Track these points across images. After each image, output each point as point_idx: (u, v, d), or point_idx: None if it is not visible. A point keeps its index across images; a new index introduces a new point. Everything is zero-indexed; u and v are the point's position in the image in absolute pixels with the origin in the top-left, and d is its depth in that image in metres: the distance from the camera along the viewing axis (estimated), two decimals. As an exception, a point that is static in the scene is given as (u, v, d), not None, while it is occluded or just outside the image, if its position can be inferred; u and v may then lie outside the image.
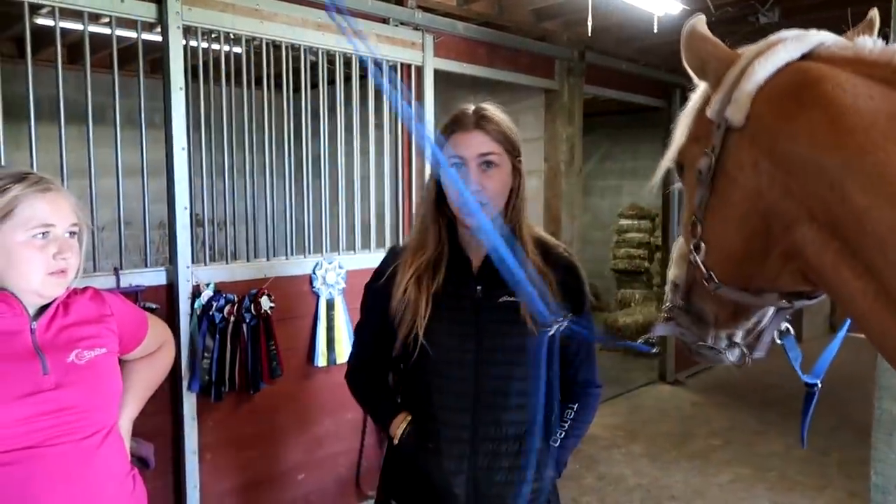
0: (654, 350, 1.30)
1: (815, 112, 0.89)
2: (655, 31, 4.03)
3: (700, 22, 1.09)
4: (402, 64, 3.79)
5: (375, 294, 1.67)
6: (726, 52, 1.06)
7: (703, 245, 1.09)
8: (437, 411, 1.59)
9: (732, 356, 1.22)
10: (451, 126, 1.59)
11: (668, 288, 1.28)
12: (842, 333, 1.42)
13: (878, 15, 1.09)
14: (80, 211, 1.50)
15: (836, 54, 0.94)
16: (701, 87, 1.13)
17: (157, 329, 1.77)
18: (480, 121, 1.56)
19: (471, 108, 1.60)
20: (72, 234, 1.46)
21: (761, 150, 0.96)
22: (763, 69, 0.97)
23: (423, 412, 1.63)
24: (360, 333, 1.79)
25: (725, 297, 1.11)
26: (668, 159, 1.20)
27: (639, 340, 1.31)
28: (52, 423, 1.38)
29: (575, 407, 1.68)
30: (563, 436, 1.66)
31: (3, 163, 2.50)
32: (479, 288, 1.58)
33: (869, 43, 0.92)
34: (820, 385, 1.29)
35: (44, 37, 4.22)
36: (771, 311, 1.15)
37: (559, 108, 5.05)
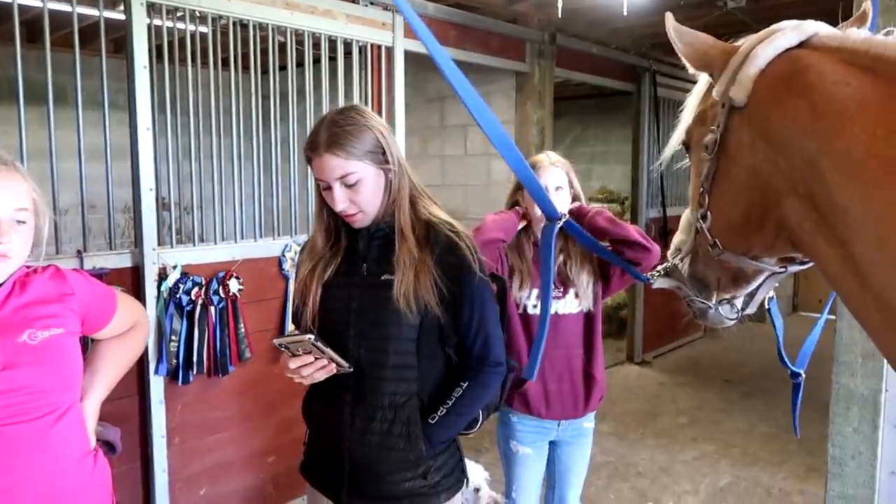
0: (650, 283, 1.40)
1: (799, 99, 1.00)
2: (625, 13, 4.05)
3: (671, 19, 1.18)
4: (371, 45, 3.76)
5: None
6: (725, 44, 1.17)
7: (709, 214, 1.20)
8: (328, 379, 1.69)
9: (727, 313, 1.35)
10: (307, 149, 1.66)
11: (670, 251, 1.40)
12: (821, 322, 1.51)
13: (871, 6, 1.20)
14: (37, 195, 1.46)
15: (826, 44, 1.03)
16: (703, 77, 1.24)
17: (128, 307, 1.72)
18: (330, 144, 1.60)
19: (323, 125, 1.64)
20: (18, 220, 1.40)
21: (757, 131, 1.07)
22: (765, 53, 1.07)
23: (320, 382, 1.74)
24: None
25: (727, 262, 1.23)
26: (676, 139, 1.31)
27: (647, 273, 1.44)
28: None
29: (465, 385, 1.68)
30: (443, 413, 1.66)
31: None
32: (364, 266, 1.70)
33: (855, 34, 1.02)
34: (804, 375, 1.41)
35: (0, 14, 4.10)
36: (765, 275, 1.27)
37: (530, 91, 5.06)
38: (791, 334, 1.56)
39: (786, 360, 1.48)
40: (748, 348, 6.85)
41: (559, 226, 1.46)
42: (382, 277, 1.64)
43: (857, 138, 0.92)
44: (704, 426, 4.89)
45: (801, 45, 1.06)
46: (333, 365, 1.63)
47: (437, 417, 1.67)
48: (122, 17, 2.87)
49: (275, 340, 1.61)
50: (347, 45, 3.67)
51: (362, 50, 3.76)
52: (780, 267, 1.21)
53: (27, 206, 1.43)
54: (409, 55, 3.94)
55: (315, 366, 1.61)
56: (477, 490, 2.93)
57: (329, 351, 1.60)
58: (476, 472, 3.05)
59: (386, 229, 1.68)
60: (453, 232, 1.67)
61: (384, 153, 1.64)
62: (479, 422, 1.78)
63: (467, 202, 5.69)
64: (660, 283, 1.37)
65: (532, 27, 4.89)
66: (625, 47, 5.80)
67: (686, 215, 1.37)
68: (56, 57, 2.71)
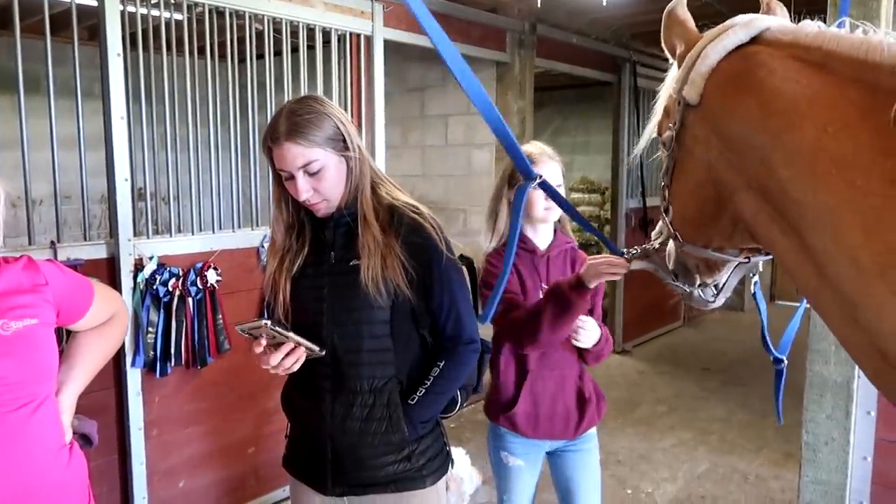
0: (625, 257, 1.44)
1: (750, 97, 1.01)
2: (605, 3, 4.06)
3: (679, 5, 1.18)
4: (351, 34, 3.73)
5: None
6: (693, 36, 1.16)
7: (670, 208, 1.22)
8: (305, 366, 1.69)
9: (707, 296, 1.38)
10: (267, 139, 1.64)
11: (653, 236, 1.43)
12: (801, 309, 1.52)
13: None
14: None
15: (778, 39, 1.03)
16: (674, 66, 1.23)
17: (106, 298, 1.70)
18: (291, 133, 1.59)
19: (282, 115, 1.63)
20: None
21: (711, 128, 1.08)
22: (715, 53, 1.07)
23: (298, 373, 1.72)
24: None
25: (691, 254, 1.25)
26: (650, 131, 1.32)
27: (624, 251, 1.48)
28: None
29: (441, 365, 1.71)
30: (422, 393, 1.69)
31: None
32: (332, 254, 1.71)
33: (808, 27, 1.02)
34: (787, 361, 1.43)
35: (-29, 0, 4.01)
36: (732, 265, 1.29)
37: (510, 81, 5.06)
38: (769, 323, 1.57)
39: (769, 345, 1.46)
40: (728, 337, 6.93)
41: (533, 186, 1.46)
42: (351, 263, 1.66)
43: (808, 134, 0.93)
44: (683, 414, 4.94)
45: (755, 40, 1.05)
46: (303, 349, 1.62)
47: (416, 398, 1.69)
48: (94, 3, 2.82)
49: (237, 326, 1.61)
50: (326, 34, 3.63)
51: (341, 39, 3.73)
52: (745, 258, 1.23)
53: None
54: (388, 44, 3.92)
55: (282, 350, 1.61)
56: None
57: (292, 335, 1.59)
58: (459, 457, 3.09)
59: (350, 216, 1.69)
60: (417, 213, 1.69)
61: (344, 140, 1.65)
62: (458, 403, 1.80)
63: (448, 192, 5.68)
64: (637, 265, 1.40)
65: (512, 17, 4.88)
66: (605, 38, 5.80)
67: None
68: (27, 44, 2.66)
